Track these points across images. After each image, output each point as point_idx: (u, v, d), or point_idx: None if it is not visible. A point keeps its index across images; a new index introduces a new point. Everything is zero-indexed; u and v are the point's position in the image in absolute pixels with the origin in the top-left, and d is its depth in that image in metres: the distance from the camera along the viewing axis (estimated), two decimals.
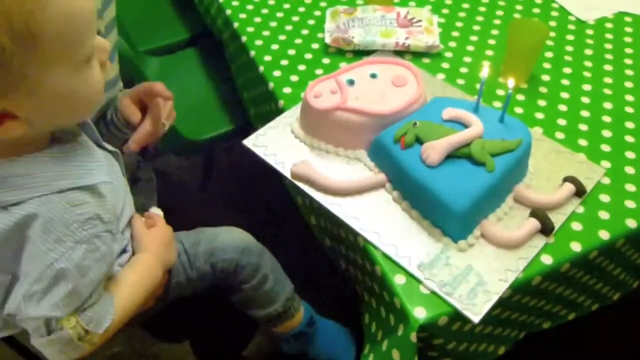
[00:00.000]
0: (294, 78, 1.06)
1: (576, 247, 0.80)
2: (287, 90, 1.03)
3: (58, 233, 0.58)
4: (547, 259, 0.78)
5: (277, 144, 0.93)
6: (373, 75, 0.94)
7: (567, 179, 0.85)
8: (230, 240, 0.93)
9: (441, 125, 0.84)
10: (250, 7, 1.24)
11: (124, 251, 0.77)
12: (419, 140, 0.82)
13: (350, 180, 0.86)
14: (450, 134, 0.81)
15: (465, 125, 0.84)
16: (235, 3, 1.25)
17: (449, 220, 0.78)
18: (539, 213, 0.80)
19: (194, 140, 1.31)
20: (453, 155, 0.80)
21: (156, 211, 0.86)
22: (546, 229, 0.80)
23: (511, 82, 0.83)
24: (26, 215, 0.57)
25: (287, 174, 0.89)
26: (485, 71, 0.83)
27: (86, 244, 0.61)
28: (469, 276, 0.76)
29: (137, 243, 0.77)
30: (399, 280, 0.76)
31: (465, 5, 1.25)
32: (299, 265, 1.51)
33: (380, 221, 0.82)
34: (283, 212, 1.52)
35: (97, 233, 0.62)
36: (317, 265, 1.46)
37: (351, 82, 0.92)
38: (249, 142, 0.94)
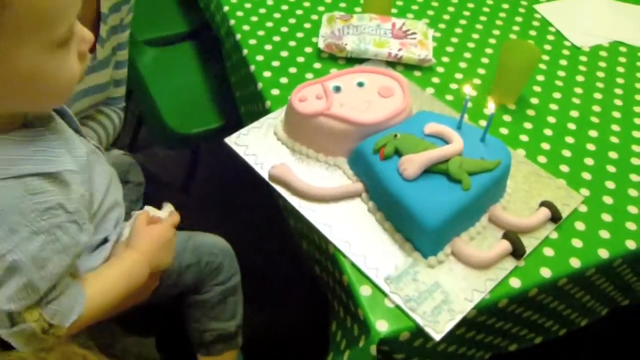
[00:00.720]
0: (284, 80, 1.06)
1: (546, 272, 0.79)
2: (275, 91, 1.03)
3: (12, 222, 0.55)
4: (515, 282, 0.78)
5: (259, 145, 0.93)
6: (360, 84, 0.94)
7: (544, 204, 0.85)
8: (218, 242, 0.95)
9: (422, 139, 0.84)
10: (248, 5, 1.23)
11: (105, 240, 0.75)
12: (398, 153, 0.82)
13: (327, 187, 0.86)
14: (430, 148, 0.81)
15: (446, 141, 0.83)
16: (234, 0, 1.25)
17: (420, 235, 0.78)
18: (512, 235, 0.80)
19: (181, 134, 1.31)
20: (430, 170, 0.79)
21: (168, 209, 0.85)
22: (517, 252, 0.79)
23: (492, 104, 0.83)
24: None
25: (265, 175, 0.88)
26: (468, 89, 0.83)
27: (45, 234, 0.57)
28: (435, 293, 0.75)
29: (130, 239, 0.76)
30: (364, 291, 0.76)
31: (463, 22, 1.25)
32: (274, 267, 1.52)
33: (352, 230, 0.82)
34: (265, 214, 1.53)
35: (58, 223, 0.59)
36: (293, 269, 1.46)
37: (337, 89, 0.92)
38: (231, 140, 0.93)
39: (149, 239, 0.76)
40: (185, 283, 0.91)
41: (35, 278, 0.58)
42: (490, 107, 0.83)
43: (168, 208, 0.85)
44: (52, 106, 0.62)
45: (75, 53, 0.57)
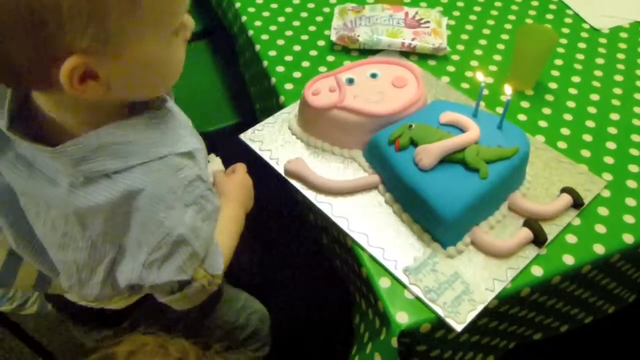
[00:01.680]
0: (297, 74, 1.05)
1: (569, 260, 0.78)
2: (289, 86, 1.03)
3: (168, 200, 0.58)
4: (537, 271, 0.77)
5: (273, 140, 0.92)
6: (374, 75, 0.93)
7: (565, 190, 0.83)
8: (264, 313, 1.04)
9: (438, 129, 0.82)
10: (259, 0, 1.23)
11: None
12: (414, 143, 0.81)
13: (342, 180, 0.85)
14: (445, 138, 0.80)
15: (462, 130, 0.82)
16: None
17: (438, 226, 0.77)
18: (533, 223, 0.79)
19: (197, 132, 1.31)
20: (447, 159, 0.78)
21: (217, 159, 0.89)
22: (539, 239, 0.78)
23: (509, 90, 0.81)
24: (132, 188, 0.56)
25: (281, 170, 0.88)
26: (480, 75, 0.82)
27: (193, 205, 0.61)
28: (455, 283, 0.74)
29: (220, 192, 0.79)
30: (383, 283, 0.75)
31: (477, 9, 1.22)
32: (293, 262, 1.52)
33: (370, 223, 0.81)
34: (282, 210, 1.53)
35: (200, 193, 0.62)
36: (312, 263, 1.46)
37: (351, 81, 0.91)
38: (246, 136, 0.93)
39: (236, 187, 0.82)
40: (218, 335, 0.96)
41: (197, 246, 0.62)
42: (507, 91, 0.81)
43: (217, 159, 0.89)
44: (164, 92, 0.64)
45: (184, 40, 0.59)
